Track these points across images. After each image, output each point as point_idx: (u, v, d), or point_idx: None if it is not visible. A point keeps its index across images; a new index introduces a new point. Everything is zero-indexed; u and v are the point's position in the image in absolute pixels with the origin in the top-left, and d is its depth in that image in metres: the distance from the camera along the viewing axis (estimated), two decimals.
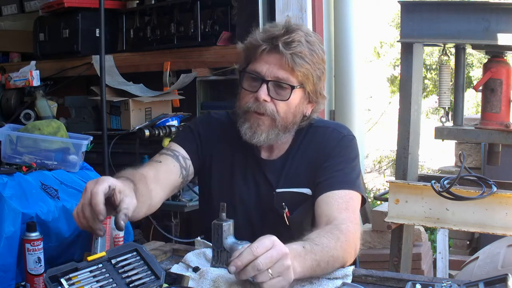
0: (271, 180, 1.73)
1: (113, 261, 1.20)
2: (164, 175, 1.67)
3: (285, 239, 1.36)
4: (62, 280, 1.15)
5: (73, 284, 1.15)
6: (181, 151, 1.75)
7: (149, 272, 1.21)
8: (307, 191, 1.70)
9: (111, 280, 1.17)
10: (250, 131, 1.66)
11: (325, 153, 1.71)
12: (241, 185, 1.75)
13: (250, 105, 1.65)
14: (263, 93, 1.62)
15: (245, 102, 1.67)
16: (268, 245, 1.24)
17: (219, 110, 1.92)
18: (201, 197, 1.91)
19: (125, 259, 1.22)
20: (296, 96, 1.66)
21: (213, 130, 1.81)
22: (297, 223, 1.69)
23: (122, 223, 1.25)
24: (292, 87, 1.63)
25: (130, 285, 1.17)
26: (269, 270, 1.22)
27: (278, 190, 1.72)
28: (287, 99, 1.64)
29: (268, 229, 1.69)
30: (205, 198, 1.83)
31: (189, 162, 1.75)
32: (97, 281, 1.17)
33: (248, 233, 1.61)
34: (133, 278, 1.19)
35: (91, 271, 1.18)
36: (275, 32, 1.63)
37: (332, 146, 1.72)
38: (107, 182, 1.30)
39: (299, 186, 1.72)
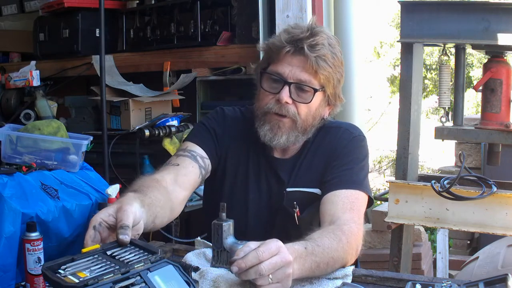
0: (282, 179, 1.73)
1: (109, 252, 1.20)
2: (183, 178, 1.62)
3: (293, 239, 1.37)
4: (60, 270, 1.14)
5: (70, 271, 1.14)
6: (199, 151, 1.72)
7: (145, 252, 1.20)
8: (317, 191, 1.70)
9: (108, 262, 1.16)
10: (271, 133, 1.65)
11: (335, 153, 1.72)
12: (254, 185, 1.75)
13: (271, 106, 1.64)
14: (285, 95, 1.61)
15: (265, 103, 1.66)
16: (274, 251, 1.23)
17: (229, 106, 1.89)
18: (208, 195, 1.89)
19: (121, 249, 1.21)
20: (317, 99, 1.66)
21: (228, 127, 1.79)
22: (306, 222, 1.69)
23: (120, 237, 1.19)
24: (315, 90, 1.63)
25: (129, 263, 1.15)
26: (270, 275, 1.22)
27: (288, 189, 1.72)
28: (309, 102, 1.64)
29: (278, 228, 1.69)
30: (215, 197, 1.80)
31: (208, 162, 1.73)
32: (95, 265, 1.16)
33: (258, 233, 1.61)
34: (130, 257, 1.18)
35: (88, 260, 1.17)
36: (300, 34, 1.62)
37: (342, 146, 1.73)
38: (91, 227, 1.25)
39: (310, 185, 1.71)
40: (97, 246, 1.20)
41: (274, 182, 1.74)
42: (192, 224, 3.14)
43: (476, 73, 10.76)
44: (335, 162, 1.70)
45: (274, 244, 1.24)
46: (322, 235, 1.43)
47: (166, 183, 1.55)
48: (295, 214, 1.68)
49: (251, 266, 1.21)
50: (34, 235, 1.59)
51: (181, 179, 1.62)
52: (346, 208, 1.58)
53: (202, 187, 1.93)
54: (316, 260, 1.35)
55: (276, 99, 1.63)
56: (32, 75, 2.90)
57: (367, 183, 1.71)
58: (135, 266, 1.12)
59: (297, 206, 1.69)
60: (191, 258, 1.55)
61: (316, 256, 1.35)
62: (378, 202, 3.34)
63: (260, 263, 1.21)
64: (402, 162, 2.39)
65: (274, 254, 1.23)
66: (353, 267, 1.47)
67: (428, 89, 11.45)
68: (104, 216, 1.25)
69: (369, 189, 1.71)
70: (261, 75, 1.69)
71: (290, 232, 1.65)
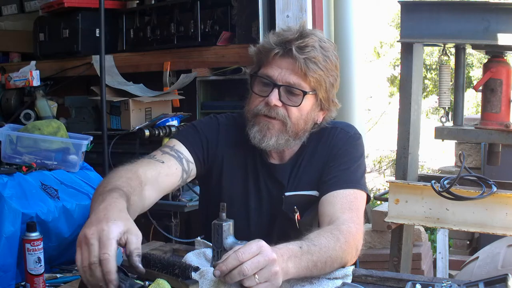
0: (282, 184, 1.72)
1: None
2: (164, 179, 1.58)
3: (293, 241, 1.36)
4: None
5: None
6: (186, 154, 1.68)
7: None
8: (315, 193, 1.70)
9: None
10: (260, 135, 1.63)
11: (332, 153, 1.71)
12: (254, 192, 1.73)
13: (261, 108, 1.62)
14: (274, 98, 1.59)
15: (254, 105, 1.64)
16: (255, 251, 1.23)
17: (222, 111, 1.87)
18: (206, 203, 1.86)
19: None
20: (308, 102, 1.64)
21: (222, 135, 1.76)
22: (306, 225, 1.68)
23: (141, 266, 1.14)
24: (304, 93, 1.61)
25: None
26: (256, 276, 1.21)
27: (286, 194, 1.71)
28: (299, 105, 1.61)
29: (278, 233, 1.68)
30: (214, 205, 1.73)
31: (192, 166, 1.69)
32: None
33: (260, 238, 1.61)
34: None
35: None
36: (289, 36, 1.60)
37: (338, 146, 1.71)
38: (115, 239, 1.14)
39: (308, 188, 1.71)
40: None
41: (274, 188, 1.73)
42: (192, 224, 3.14)
43: (476, 73, 10.77)
44: (332, 162, 1.69)
45: (255, 244, 1.24)
46: (319, 235, 1.42)
47: (144, 184, 1.49)
48: (296, 218, 1.68)
49: (232, 268, 1.20)
50: (34, 235, 1.58)
51: (162, 179, 1.57)
52: (344, 208, 1.58)
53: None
54: (313, 259, 1.34)
55: (266, 102, 1.61)
56: (32, 75, 2.90)
57: (365, 182, 1.71)
58: None
59: (298, 210, 1.68)
60: (191, 258, 1.55)
61: (313, 255, 1.34)
62: (378, 202, 3.34)
63: (241, 264, 1.20)
64: (402, 162, 2.39)
65: (255, 254, 1.22)
66: (353, 267, 1.47)
67: (428, 89, 11.46)
68: (119, 234, 1.16)
69: (366, 187, 1.71)
70: (252, 78, 1.67)
71: (291, 236, 1.65)
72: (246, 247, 1.23)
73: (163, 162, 1.61)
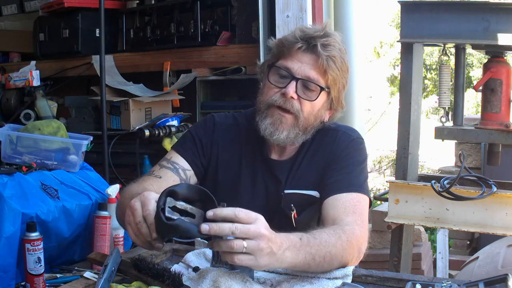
0: (279, 181, 1.72)
1: None
2: None
3: None
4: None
5: None
6: (181, 163, 1.72)
7: None
8: (315, 193, 1.70)
9: None
10: (272, 128, 1.65)
11: (334, 156, 1.71)
12: (249, 187, 1.74)
13: (276, 99, 1.64)
14: (291, 89, 1.62)
15: (269, 96, 1.66)
16: (253, 218, 1.23)
17: (221, 111, 1.89)
18: None
19: None
20: (321, 99, 1.66)
21: (217, 134, 1.78)
22: (303, 225, 1.68)
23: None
24: (321, 89, 1.64)
25: None
26: (244, 243, 1.21)
27: (286, 191, 1.71)
28: (314, 100, 1.64)
29: (274, 230, 1.69)
30: None
31: (190, 173, 1.73)
32: None
33: None
34: None
35: None
36: (314, 33, 1.64)
37: (341, 149, 1.72)
38: (154, 200, 1.28)
39: (307, 188, 1.71)
40: None
41: (271, 183, 1.73)
42: None
43: (476, 73, 10.77)
44: (334, 165, 1.69)
45: (255, 214, 1.25)
46: (321, 231, 1.43)
47: None
48: (292, 216, 1.68)
49: (225, 218, 1.20)
50: (34, 235, 1.59)
51: None
52: (348, 211, 1.58)
53: None
54: (312, 252, 1.34)
55: (282, 93, 1.63)
56: (32, 75, 2.90)
57: (367, 186, 1.72)
58: None
59: (294, 208, 1.68)
60: (191, 258, 1.55)
61: (312, 247, 1.35)
62: (378, 202, 3.34)
63: (235, 219, 1.21)
64: (402, 162, 2.39)
65: (251, 221, 1.22)
66: (353, 267, 1.47)
67: (428, 89, 11.46)
68: (156, 196, 1.29)
69: (369, 192, 1.71)
70: (269, 69, 1.69)
71: None
72: (245, 211, 1.23)
73: (160, 177, 1.67)
